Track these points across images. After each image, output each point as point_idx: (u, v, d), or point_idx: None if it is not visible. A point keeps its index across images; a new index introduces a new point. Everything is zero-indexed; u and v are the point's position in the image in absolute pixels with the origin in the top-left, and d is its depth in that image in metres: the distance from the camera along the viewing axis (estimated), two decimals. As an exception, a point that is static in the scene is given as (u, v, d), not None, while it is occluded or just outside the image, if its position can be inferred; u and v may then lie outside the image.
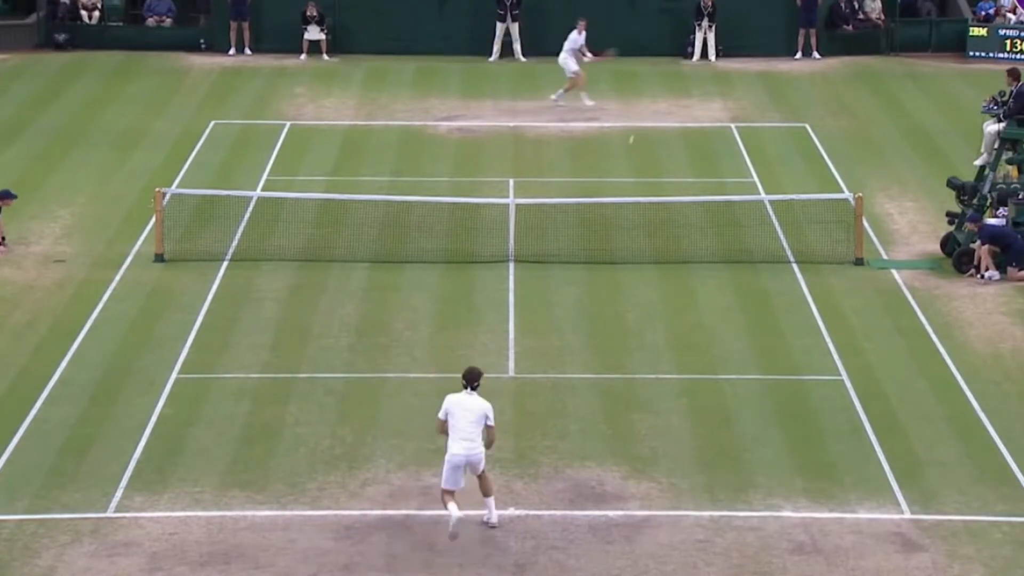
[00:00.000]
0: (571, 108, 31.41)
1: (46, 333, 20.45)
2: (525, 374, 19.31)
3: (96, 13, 36.80)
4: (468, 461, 15.28)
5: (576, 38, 31.42)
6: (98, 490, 16.33)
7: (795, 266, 22.89)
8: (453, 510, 15.09)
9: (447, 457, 15.32)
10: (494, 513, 15.56)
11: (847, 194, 24.64)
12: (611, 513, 15.92)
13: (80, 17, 36.76)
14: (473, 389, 15.45)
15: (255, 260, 23.00)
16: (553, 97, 31.30)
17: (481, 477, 15.43)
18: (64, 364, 19.45)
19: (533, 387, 18.94)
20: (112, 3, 36.94)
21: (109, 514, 15.88)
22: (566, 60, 31.26)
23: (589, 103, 31.19)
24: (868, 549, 15.29)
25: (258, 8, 36.18)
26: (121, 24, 36.88)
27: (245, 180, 26.68)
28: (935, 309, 21.40)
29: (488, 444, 15.43)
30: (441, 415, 15.47)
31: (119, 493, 16.28)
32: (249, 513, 15.87)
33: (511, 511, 15.91)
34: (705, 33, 35.68)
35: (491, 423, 15.39)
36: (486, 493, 15.50)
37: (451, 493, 15.27)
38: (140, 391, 18.69)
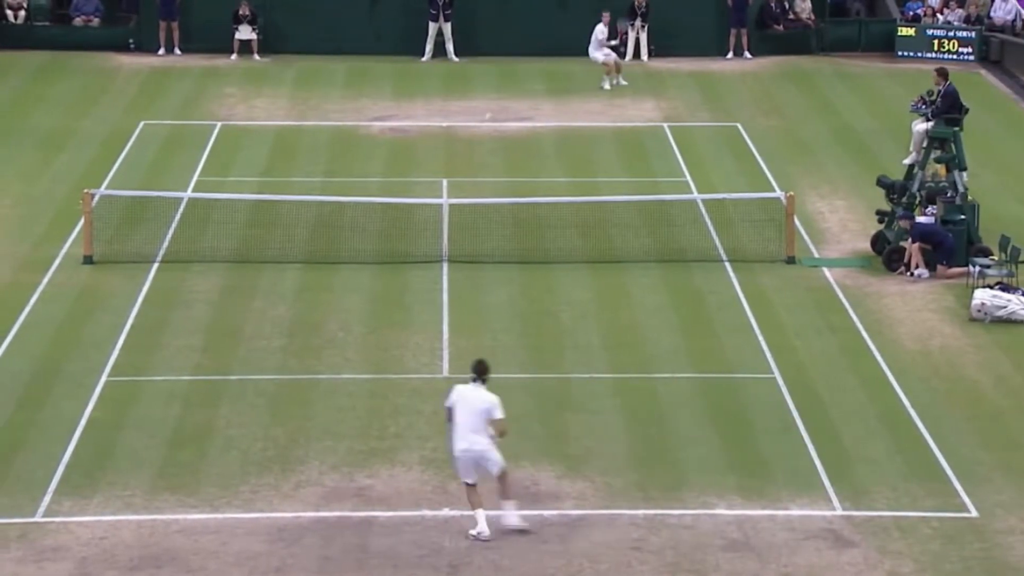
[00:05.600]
0: (502, 107, 31.45)
1: (-28, 336, 20.18)
2: (459, 374, 19.22)
3: (22, 12, 36.35)
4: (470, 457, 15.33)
5: (602, 29, 32.98)
6: (26, 495, 16.12)
7: (727, 265, 23.00)
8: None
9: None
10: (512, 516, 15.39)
11: (778, 193, 24.79)
12: (545, 513, 15.91)
13: (5, 16, 36.29)
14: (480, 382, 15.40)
15: (186, 261, 22.80)
16: (605, 87, 32.79)
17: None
18: (-9, 368, 19.20)
19: (467, 387, 18.88)
20: (38, 2, 36.50)
21: (37, 519, 15.67)
22: (593, 53, 33.03)
23: (606, 87, 32.76)
24: (800, 545, 15.37)
25: (187, 8, 35.89)
26: (48, 24, 36.45)
27: (176, 181, 26.44)
28: (865, 307, 21.57)
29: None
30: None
31: (47, 498, 16.07)
32: (181, 516, 15.73)
33: (445, 511, 15.86)
34: (638, 33, 35.82)
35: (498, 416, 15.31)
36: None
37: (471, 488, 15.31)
38: (69, 394, 18.47)
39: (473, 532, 15.22)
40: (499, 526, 15.31)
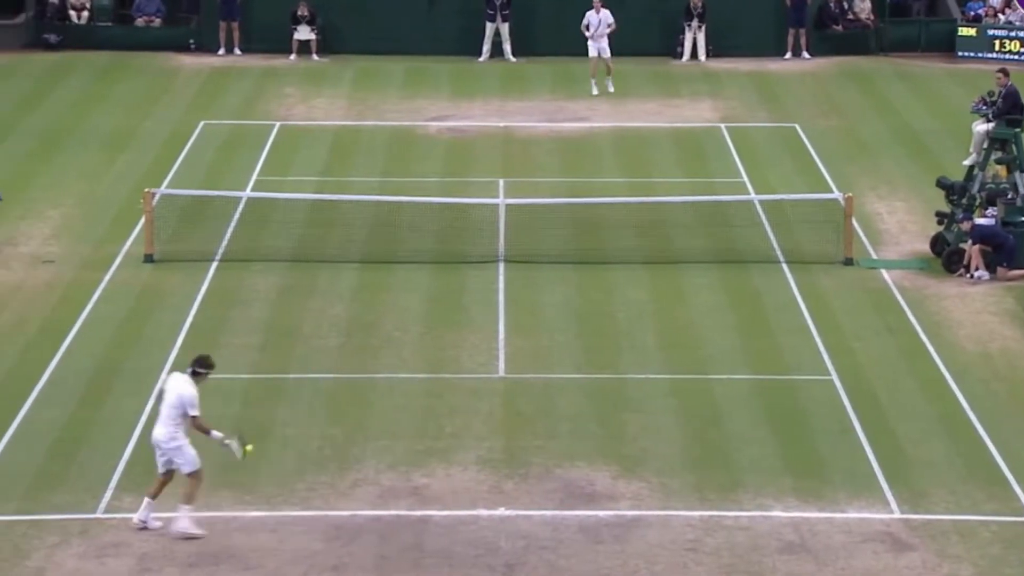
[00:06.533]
0: (559, 108, 31.50)
1: (35, 334, 20.41)
2: (515, 374, 19.30)
3: (85, 13, 36.75)
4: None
5: (595, 18, 32.21)
6: (87, 491, 16.30)
7: (785, 266, 22.92)
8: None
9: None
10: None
11: (837, 194, 24.67)
12: (601, 513, 15.92)
13: (68, 17, 36.71)
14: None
15: (245, 260, 22.97)
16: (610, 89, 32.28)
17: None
18: (53, 365, 19.40)
19: (523, 387, 18.94)
20: (101, 3, 36.88)
21: (98, 515, 15.85)
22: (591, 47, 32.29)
23: (595, 92, 32.10)
24: (857, 549, 15.30)
25: (248, 8, 36.16)
26: (110, 24, 36.83)
27: (235, 180, 26.64)
28: (924, 309, 21.43)
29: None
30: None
31: (108, 494, 16.25)
32: (239, 514, 15.85)
33: (501, 511, 15.91)
34: (695, 33, 35.72)
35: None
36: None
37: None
38: (129, 392, 18.65)
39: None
40: (169, 531, 15.17)
